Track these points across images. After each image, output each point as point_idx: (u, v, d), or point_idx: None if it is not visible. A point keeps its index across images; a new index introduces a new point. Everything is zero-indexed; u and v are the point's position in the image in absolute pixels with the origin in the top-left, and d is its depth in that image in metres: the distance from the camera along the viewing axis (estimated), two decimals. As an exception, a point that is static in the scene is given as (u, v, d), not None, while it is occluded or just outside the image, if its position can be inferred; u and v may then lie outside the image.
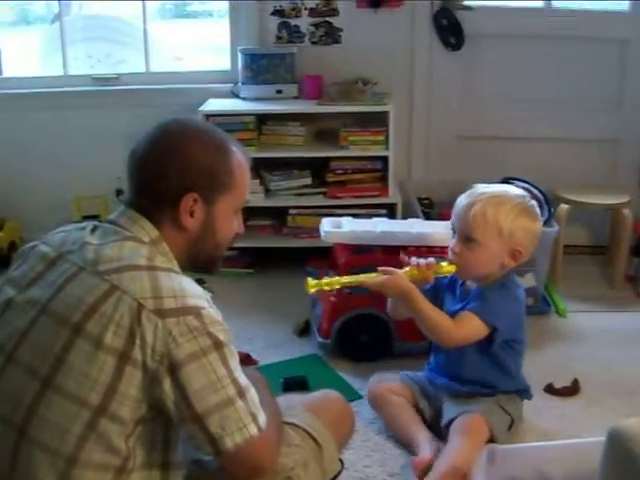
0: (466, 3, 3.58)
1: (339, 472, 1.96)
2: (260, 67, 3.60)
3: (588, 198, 3.42)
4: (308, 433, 1.83)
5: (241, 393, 1.48)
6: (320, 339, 2.84)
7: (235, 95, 3.69)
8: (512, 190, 2.24)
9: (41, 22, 4.33)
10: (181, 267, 1.64)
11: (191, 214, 1.60)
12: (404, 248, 2.70)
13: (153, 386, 1.44)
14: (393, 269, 2.17)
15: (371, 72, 3.59)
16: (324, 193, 3.56)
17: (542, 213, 3.09)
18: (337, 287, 2.23)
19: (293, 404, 1.93)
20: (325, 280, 2.20)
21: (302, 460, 1.78)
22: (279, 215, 3.64)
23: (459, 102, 3.75)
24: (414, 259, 2.22)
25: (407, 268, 2.20)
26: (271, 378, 2.59)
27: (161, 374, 1.43)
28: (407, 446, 2.25)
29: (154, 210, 1.59)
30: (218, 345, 1.46)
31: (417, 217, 3.34)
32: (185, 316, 1.44)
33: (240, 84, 3.66)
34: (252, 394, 1.52)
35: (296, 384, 2.61)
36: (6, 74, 3.97)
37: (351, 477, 2.15)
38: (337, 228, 2.85)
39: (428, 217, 3.44)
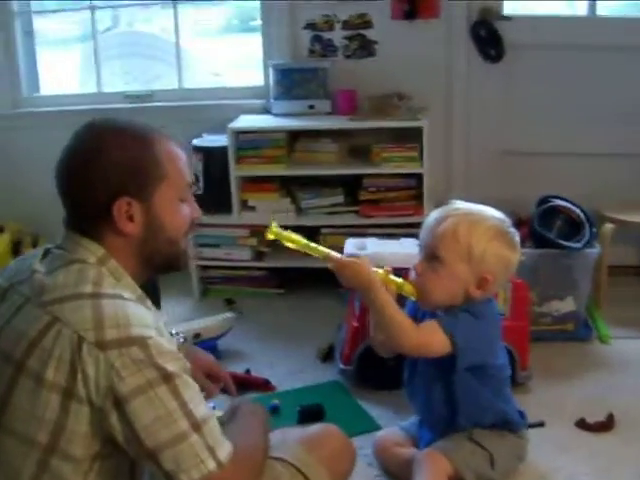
0: (505, 13, 3.43)
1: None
2: (292, 82, 3.51)
3: (634, 217, 3.22)
4: (298, 470, 1.71)
5: (196, 426, 1.38)
6: (341, 365, 2.72)
7: (267, 111, 3.61)
8: (491, 211, 2.00)
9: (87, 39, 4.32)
10: (140, 275, 1.56)
11: (130, 218, 1.49)
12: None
13: (102, 421, 1.36)
14: (362, 256, 1.99)
15: (407, 85, 3.47)
16: (357, 212, 3.44)
17: (584, 233, 2.94)
18: (298, 248, 1.99)
19: (287, 438, 1.81)
20: (290, 235, 1.97)
21: (289, 499, 1.66)
22: (311, 234, 3.52)
23: (500, 116, 3.58)
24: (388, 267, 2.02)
25: (378, 270, 1.98)
26: (289, 406, 2.54)
27: (107, 409, 1.35)
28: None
29: (91, 226, 1.50)
30: (167, 377, 1.37)
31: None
32: (128, 347, 1.35)
33: (272, 100, 3.57)
34: (211, 426, 1.42)
35: (312, 413, 2.50)
36: (45, 92, 4.00)
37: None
38: (361, 249, 2.72)
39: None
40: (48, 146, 3.75)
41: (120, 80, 4.08)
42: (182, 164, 1.58)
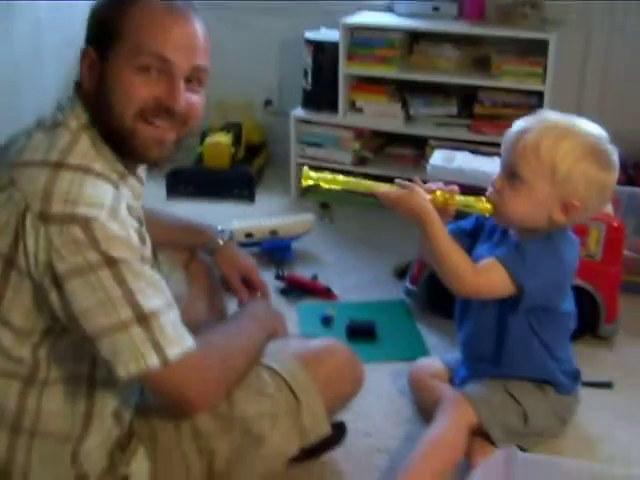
0: None
1: (335, 437, 1.72)
2: (418, -21, 3.24)
3: None
4: (286, 382, 1.58)
5: (142, 318, 1.28)
6: (408, 285, 2.53)
7: (390, 10, 3.36)
8: (586, 124, 1.73)
9: None
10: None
11: (90, 73, 1.38)
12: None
13: (44, 296, 1.29)
14: (411, 185, 1.73)
15: (543, -7, 3.12)
16: (468, 126, 3.18)
17: None
18: (338, 188, 1.78)
19: (285, 348, 1.68)
20: (327, 175, 1.76)
21: (270, 412, 1.55)
22: (417, 144, 3.31)
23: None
24: (435, 183, 1.78)
25: (438, 192, 1.76)
26: (343, 319, 2.42)
27: (47, 286, 1.27)
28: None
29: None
30: (110, 261, 1.26)
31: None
32: (70, 225, 1.24)
33: (396, -3, 3.33)
34: (163, 321, 1.30)
35: (361, 330, 2.37)
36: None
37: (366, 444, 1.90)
38: (449, 163, 2.51)
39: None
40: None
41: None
42: (155, 26, 1.34)
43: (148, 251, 1.37)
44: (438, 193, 1.75)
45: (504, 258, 1.72)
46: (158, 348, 1.29)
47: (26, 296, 1.30)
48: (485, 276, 1.73)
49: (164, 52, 1.34)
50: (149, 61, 1.34)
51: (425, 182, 1.81)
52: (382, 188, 1.74)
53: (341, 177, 1.77)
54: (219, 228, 2.02)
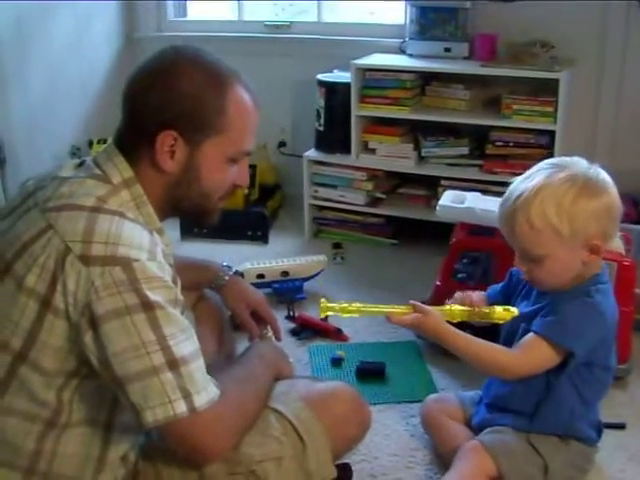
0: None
1: (340, 479, 1.69)
2: (429, 21, 3.28)
3: None
4: (293, 426, 1.58)
5: (173, 364, 1.30)
6: (419, 326, 2.52)
7: (402, 51, 3.40)
8: (562, 164, 1.69)
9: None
10: (164, 214, 1.50)
11: (171, 155, 1.42)
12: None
13: (78, 338, 1.31)
14: (426, 308, 1.75)
15: (554, 35, 3.14)
16: (480, 166, 3.18)
17: None
18: (356, 315, 1.81)
19: (292, 390, 1.67)
20: (343, 305, 1.78)
21: (276, 455, 1.54)
22: (429, 185, 3.32)
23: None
24: (458, 294, 1.81)
25: (447, 306, 1.79)
26: (354, 360, 2.41)
27: (83, 326, 1.29)
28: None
29: (133, 147, 1.45)
30: (147, 305, 1.28)
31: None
32: (112, 266, 1.28)
33: (407, 39, 3.36)
34: (192, 368, 1.32)
35: (370, 371, 2.36)
36: (192, 16, 4.01)
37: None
38: (459, 203, 2.51)
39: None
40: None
41: (269, 10, 3.96)
42: (248, 125, 1.49)
43: (180, 294, 1.39)
44: (454, 309, 1.78)
45: (544, 331, 1.71)
46: (186, 395, 1.30)
47: (58, 338, 1.31)
48: (529, 357, 1.72)
49: (251, 148, 1.53)
50: (241, 156, 1.52)
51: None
52: (397, 311, 1.77)
53: (357, 304, 1.80)
54: (224, 264, 2.04)
